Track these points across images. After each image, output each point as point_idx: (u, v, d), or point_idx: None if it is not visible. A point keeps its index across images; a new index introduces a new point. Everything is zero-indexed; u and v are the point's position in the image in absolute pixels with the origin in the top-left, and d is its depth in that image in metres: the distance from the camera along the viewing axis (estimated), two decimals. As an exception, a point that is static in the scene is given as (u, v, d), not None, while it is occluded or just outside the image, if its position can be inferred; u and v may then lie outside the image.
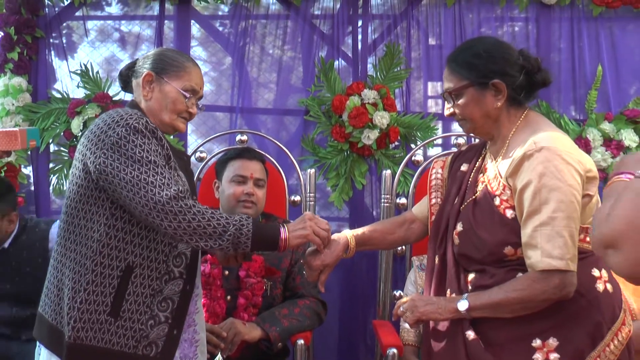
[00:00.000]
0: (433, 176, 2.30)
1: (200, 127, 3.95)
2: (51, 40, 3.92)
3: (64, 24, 3.95)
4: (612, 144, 3.62)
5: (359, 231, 2.31)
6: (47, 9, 3.91)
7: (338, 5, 3.84)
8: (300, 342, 2.85)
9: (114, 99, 3.80)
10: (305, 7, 3.83)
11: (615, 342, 1.90)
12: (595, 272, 1.93)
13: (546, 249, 1.83)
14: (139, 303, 2.01)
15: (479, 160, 2.16)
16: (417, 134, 3.73)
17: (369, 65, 3.83)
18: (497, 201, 1.96)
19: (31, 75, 3.89)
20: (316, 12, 3.88)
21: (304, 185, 3.48)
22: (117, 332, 1.99)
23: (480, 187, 2.06)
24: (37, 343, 2.12)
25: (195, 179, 2.95)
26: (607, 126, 3.62)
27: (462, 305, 1.96)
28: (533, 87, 2.04)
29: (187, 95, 2.13)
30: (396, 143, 3.76)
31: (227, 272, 2.86)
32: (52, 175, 3.84)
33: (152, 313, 2.02)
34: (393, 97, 3.69)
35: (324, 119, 3.74)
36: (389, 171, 3.51)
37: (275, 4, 3.88)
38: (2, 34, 3.82)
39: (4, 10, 3.84)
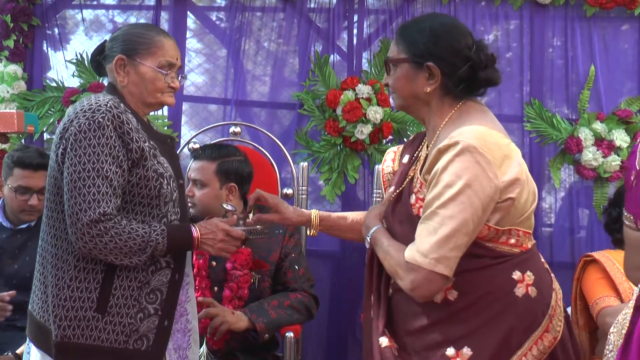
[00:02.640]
0: (385, 170, 2.19)
1: (194, 118, 3.96)
2: (47, 30, 3.93)
3: (60, 13, 3.97)
4: (604, 144, 3.63)
5: (326, 214, 2.27)
6: (43, -2, 3.95)
7: (334, 0, 3.85)
8: (290, 334, 2.86)
9: (108, 88, 3.83)
10: (302, 1, 3.84)
11: (535, 351, 1.81)
12: (516, 275, 1.80)
13: (419, 241, 1.75)
14: (126, 297, 1.97)
15: (418, 150, 2.05)
16: (411, 129, 3.75)
17: (364, 61, 3.84)
18: (412, 199, 1.89)
19: (26, 63, 3.89)
20: (312, 7, 3.89)
21: (297, 178, 3.49)
22: (106, 328, 1.95)
23: (406, 181, 1.97)
24: (27, 341, 2.09)
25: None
26: (598, 126, 3.64)
27: (372, 233, 1.93)
28: (475, 83, 1.88)
29: (164, 71, 2.08)
30: (389, 138, 3.77)
31: (214, 263, 2.84)
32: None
33: (141, 306, 1.98)
34: (387, 93, 3.71)
35: (317, 113, 3.76)
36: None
37: (272, -2, 3.91)
38: (-2, 21, 3.85)
39: (1, -2, 3.88)
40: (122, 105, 2.00)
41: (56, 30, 3.95)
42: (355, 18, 3.89)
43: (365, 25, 3.87)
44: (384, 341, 1.88)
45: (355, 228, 2.24)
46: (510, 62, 3.80)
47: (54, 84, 3.89)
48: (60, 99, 3.82)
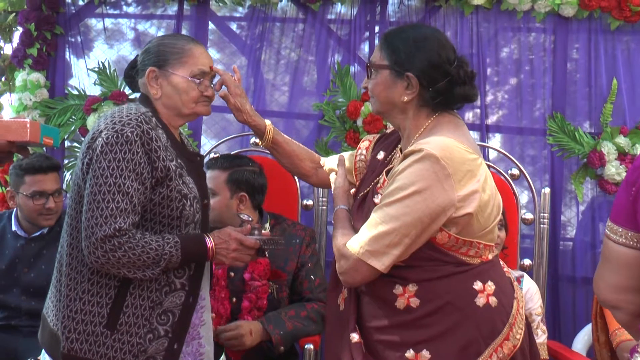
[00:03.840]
0: (359, 157, 2.22)
1: (212, 127, 3.98)
2: (69, 38, 3.98)
3: (82, 22, 4.01)
4: (627, 158, 3.60)
5: (279, 132, 2.34)
6: (67, 7, 3.98)
7: (355, 11, 3.87)
8: (310, 346, 2.85)
9: (130, 97, 3.84)
10: (323, 11, 3.86)
11: (494, 358, 1.83)
12: (477, 285, 1.84)
13: (360, 232, 1.83)
14: (137, 316, 1.94)
15: (392, 151, 2.08)
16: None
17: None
18: (377, 199, 1.92)
19: (49, 71, 3.94)
20: (333, 17, 3.91)
21: (316, 189, 3.50)
22: (114, 345, 1.92)
23: (374, 182, 2.01)
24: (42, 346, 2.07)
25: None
26: (621, 140, 3.61)
27: (335, 210, 2.04)
28: (451, 98, 1.92)
29: (197, 80, 2.05)
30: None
31: (232, 274, 2.85)
32: (66, 172, 3.89)
33: (151, 326, 1.95)
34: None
35: (338, 124, 3.77)
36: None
37: (292, 8, 3.92)
38: (23, 29, 3.88)
39: (25, 7, 3.92)
40: (153, 119, 1.98)
41: (79, 39, 3.99)
42: (377, 29, 3.89)
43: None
44: (354, 337, 1.91)
45: (294, 157, 2.36)
46: (533, 75, 3.79)
47: (75, 92, 3.93)
48: (82, 107, 3.86)
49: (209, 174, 2.89)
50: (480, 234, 1.86)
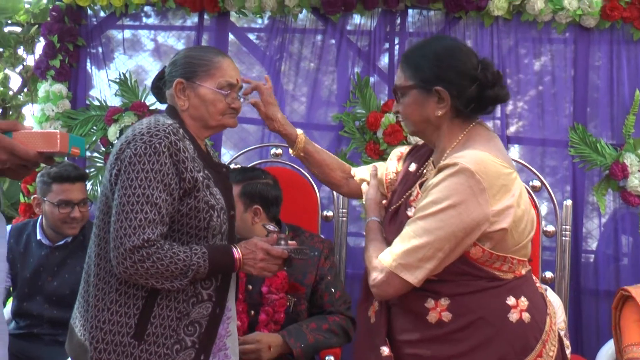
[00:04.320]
0: (389, 168, 2.21)
1: (232, 138, 3.99)
2: (90, 49, 4.02)
3: (103, 34, 4.05)
4: (650, 170, 3.60)
5: (311, 141, 2.36)
6: (88, 19, 4.02)
7: (375, 22, 3.87)
8: (330, 358, 2.86)
9: (150, 108, 3.88)
10: (342, 23, 3.86)
11: None
12: (510, 301, 1.83)
13: (394, 244, 1.83)
14: (164, 326, 1.95)
15: (424, 163, 2.07)
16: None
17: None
18: (410, 212, 1.91)
19: (71, 82, 3.98)
20: (352, 29, 3.91)
21: (337, 200, 3.51)
22: (141, 356, 1.93)
23: (406, 195, 2.01)
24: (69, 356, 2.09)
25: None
26: (644, 152, 3.60)
27: (367, 222, 2.04)
28: (484, 101, 1.91)
29: (224, 92, 2.06)
30: (429, 161, 3.79)
31: (250, 287, 2.84)
32: (87, 181, 3.94)
33: (179, 337, 1.95)
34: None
35: (358, 135, 3.77)
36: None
37: (312, 19, 3.92)
38: (45, 41, 3.93)
39: (48, 19, 3.97)
40: (181, 131, 1.99)
41: (99, 50, 4.04)
42: (396, 40, 3.89)
43: (406, 47, 3.86)
44: (384, 350, 1.90)
45: (325, 167, 2.37)
46: (554, 86, 3.77)
47: (97, 103, 3.96)
48: (103, 118, 3.89)
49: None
50: (514, 249, 1.85)
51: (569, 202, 3.42)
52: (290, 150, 2.39)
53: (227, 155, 3.89)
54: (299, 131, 2.36)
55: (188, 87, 2.06)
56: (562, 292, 3.34)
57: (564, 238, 3.39)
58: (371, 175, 2.23)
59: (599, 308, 3.62)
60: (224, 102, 2.06)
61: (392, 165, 2.22)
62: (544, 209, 3.62)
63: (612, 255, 3.68)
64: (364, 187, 2.28)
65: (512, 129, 3.84)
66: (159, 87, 2.17)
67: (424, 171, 2.05)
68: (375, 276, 1.84)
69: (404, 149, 2.24)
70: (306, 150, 2.35)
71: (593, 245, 3.75)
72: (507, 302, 1.83)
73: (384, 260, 1.83)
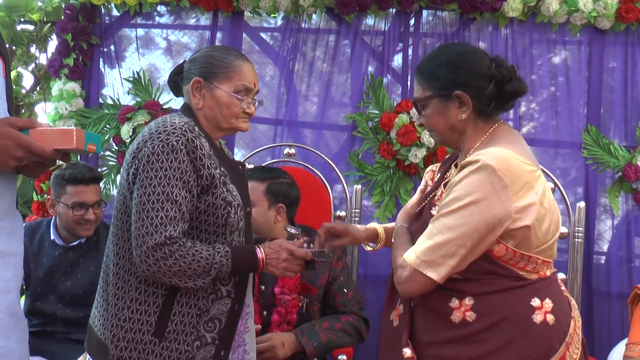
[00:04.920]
0: (427, 189, 2.22)
1: (244, 137, 3.99)
2: (103, 48, 4.04)
3: (116, 33, 4.06)
4: (663, 172, 3.58)
5: (385, 226, 2.33)
6: (102, 17, 4.03)
7: (389, 23, 3.88)
8: (342, 357, 2.87)
9: (163, 106, 3.90)
10: (356, 23, 3.87)
11: None
12: (535, 302, 1.83)
13: (417, 242, 1.85)
14: (184, 323, 1.96)
15: (449, 169, 2.10)
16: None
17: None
18: (434, 210, 1.93)
19: (84, 80, 4.00)
20: (366, 29, 3.92)
21: (350, 200, 3.52)
22: (162, 353, 1.94)
23: (432, 194, 2.04)
24: (87, 356, 2.10)
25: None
26: (657, 154, 3.59)
27: (396, 229, 2.07)
28: (504, 98, 1.94)
29: (240, 97, 2.05)
30: (443, 162, 3.79)
31: (263, 287, 2.85)
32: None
33: (199, 334, 1.97)
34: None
35: (371, 135, 3.78)
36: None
37: (326, 19, 3.94)
38: (59, 40, 3.94)
39: (62, 17, 3.99)
40: (196, 128, 1.99)
41: (112, 49, 4.05)
42: (410, 41, 3.90)
43: (420, 48, 3.87)
44: (406, 352, 1.90)
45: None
46: (568, 88, 3.77)
47: (110, 101, 3.98)
48: (116, 116, 3.91)
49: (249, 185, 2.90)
50: (539, 249, 1.86)
51: (581, 204, 3.42)
52: (368, 248, 2.38)
53: (239, 155, 3.91)
54: (373, 225, 2.34)
55: (205, 86, 2.07)
56: (575, 294, 3.35)
57: (576, 239, 3.39)
58: (419, 190, 2.24)
59: (611, 309, 3.63)
60: (238, 107, 2.06)
61: (428, 185, 2.23)
62: (556, 210, 3.61)
63: (624, 256, 3.69)
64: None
65: (524, 130, 3.84)
66: (176, 81, 2.18)
67: (448, 175, 2.07)
68: (400, 273, 1.86)
69: (435, 167, 2.27)
70: (388, 237, 2.31)
71: (605, 246, 3.76)
72: (531, 303, 1.84)
73: (408, 258, 1.85)
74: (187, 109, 2.11)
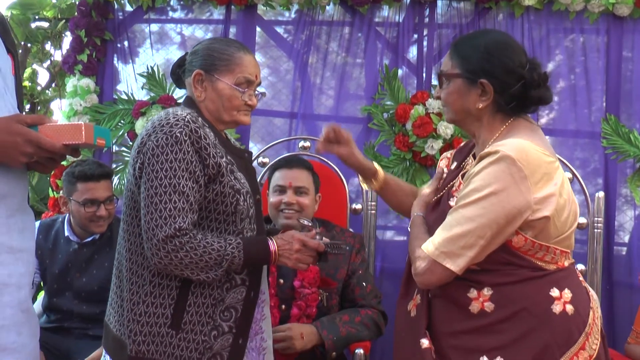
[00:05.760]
0: (442, 177, 2.20)
1: (259, 131, 4.00)
2: (117, 44, 4.05)
3: (130, 28, 4.07)
4: (684, 161, 3.54)
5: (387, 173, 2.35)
6: (115, 13, 4.04)
7: (403, 14, 3.87)
8: (360, 351, 2.86)
9: (178, 101, 3.89)
10: (370, 14, 3.86)
11: None
12: (554, 292, 1.83)
13: (436, 233, 1.85)
14: (200, 314, 1.97)
15: (465, 159, 2.10)
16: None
17: (433, 75, 3.82)
18: (452, 201, 1.92)
19: (98, 76, 4.01)
20: (380, 20, 3.91)
21: (366, 193, 3.51)
22: (180, 344, 1.95)
23: (448, 186, 2.03)
24: (103, 352, 2.11)
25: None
26: (678, 142, 3.55)
27: (412, 217, 2.06)
28: (527, 102, 1.92)
29: (241, 89, 2.06)
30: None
31: (281, 281, 2.86)
32: (114, 176, 3.96)
33: (215, 323, 1.98)
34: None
35: (387, 127, 3.77)
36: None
37: (340, 11, 3.93)
38: (73, 36, 3.95)
39: (76, 14, 4.01)
40: (200, 119, 2.00)
41: (126, 44, 4.06)
42: (425, 32, 3.88)
43: (435, 39, 3.86)
44: (424, 342, 1.90)
45: (398, 194, 2.33)
46: (586, 77, 3.75)
47: (124, 97, 3.99)
48: (130, 112, 3.92)
49: (292, 172, 2.96)
50: (557, 240, 1.86)
51: (600, 194, 3.40)
52: (366, 185, 2.38)
53: (254, 149, 3.90)
54: (377, 165, 2.35)
55: (206, 79, 2.07)
56: (595, 285, 3.33)
57: (596, 230, 3.37)
58: (435, 177, 2.22)
59: (632, 300, 3.58)
60: (239, 99, 2.07)
61: (443, 173, 2.21)
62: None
63: (645, 247, 3.65)
64: (425, 187, 2.28)
65: (543, 120, 3.82)
66: (178, 74, 2.19)
67: (465, 164, 2.07)
68: (418, 265, 1.86)
69: (449, 154, 2.25)
70: (385, 179, 2.33)
71: (625, 237, 3.73)
72: (550, 293, 1.84)
73: (426, 249, 1.85)
74: (189, 101, 2.12)
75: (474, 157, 2.02)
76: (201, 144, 1.94)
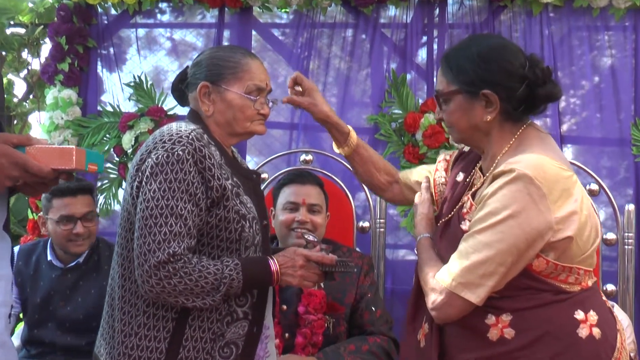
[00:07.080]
0: (438, 181, 2.21)
1: (256, 143, 3.97)
2: (101, 51, 4.02)
3: (115, 34, 4.05)
4: None
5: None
6: (99, 18, 4.02)
7: (411, 14, 3.85)
8: (369, 382, 2.82)
9: (168, 113, 3.87)
10: (375, 15, 3.85)
11: None
12: (579, 315, 1.81)
13: (451, 262, 1.83)
14: (197, 349, 1.92)
15: (471, 172, 2.07)
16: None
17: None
18: (465, 225, 1.90)
19: (81, 87, 3.99)
20: (386, 22, 3.89)
21: (374, 209, 3.48)
22: None
23: (457, 207, 2.00)
24: None
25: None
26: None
27: (418, 240, 2.05)
28: (536, 102, 1.90)
29: (253, 97, 2.03)
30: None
31: (284, 307, 2.83)
32: (99, 195, 3.91)
33: None
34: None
35: (395, 138, 3.73)
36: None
37: (341, 12, 3.90)
38: (53, 43, 3.92)
39: (55, 19, 3.97)
40: (205, 136, 1.97)
41: (111, 51, 4.05)
42: (435, 33, 3.86)
43: (446, 41, 3.83)
44: None
45: (369, 166, 2.34)
46: (612, 79, 3.71)
47: (109, 109, 3.96)
48: (117, 125, 3.89)
49: (306, 189, 2.96)
50: (580, 259, 1.84)
51: (631, 207, 3.37)
52: (337, 148, 2.35)
53: (252, 163, 3.88)
54: (352, 131, 2.34)
55: (213, 91, 2.04)
56: (627, 307, 3.29)
57: (626, 247, 3.34)
58: (424, 188, 2.21)
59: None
60: (252, 108, 2.04)
61: (439, 176, 2.22)
62: (602, 214, 3.58)
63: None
64: (416, 198, 2.26)
65: (565, 127, 3.80)
66: (181, 89, 2.15)
67: (472, 179, 2.04)
68: (435, 298, 1.84)
69: (448, 156, 2.25)
70: (358, 144, 2.33)
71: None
72: (575, 316, 1.81)
73: (442, 280, 1.83)
74: (195, 116, 2.09)
75: (481, 170, 2.01)
76: (205, 164, 1.91)
